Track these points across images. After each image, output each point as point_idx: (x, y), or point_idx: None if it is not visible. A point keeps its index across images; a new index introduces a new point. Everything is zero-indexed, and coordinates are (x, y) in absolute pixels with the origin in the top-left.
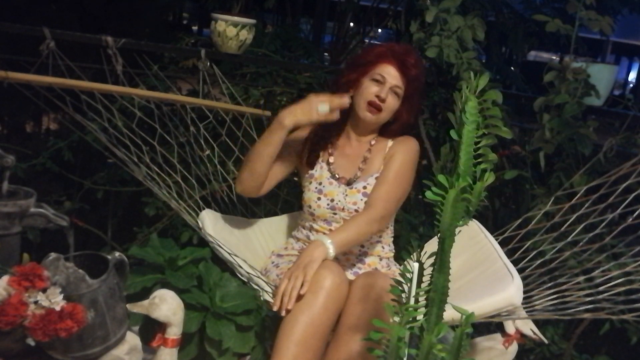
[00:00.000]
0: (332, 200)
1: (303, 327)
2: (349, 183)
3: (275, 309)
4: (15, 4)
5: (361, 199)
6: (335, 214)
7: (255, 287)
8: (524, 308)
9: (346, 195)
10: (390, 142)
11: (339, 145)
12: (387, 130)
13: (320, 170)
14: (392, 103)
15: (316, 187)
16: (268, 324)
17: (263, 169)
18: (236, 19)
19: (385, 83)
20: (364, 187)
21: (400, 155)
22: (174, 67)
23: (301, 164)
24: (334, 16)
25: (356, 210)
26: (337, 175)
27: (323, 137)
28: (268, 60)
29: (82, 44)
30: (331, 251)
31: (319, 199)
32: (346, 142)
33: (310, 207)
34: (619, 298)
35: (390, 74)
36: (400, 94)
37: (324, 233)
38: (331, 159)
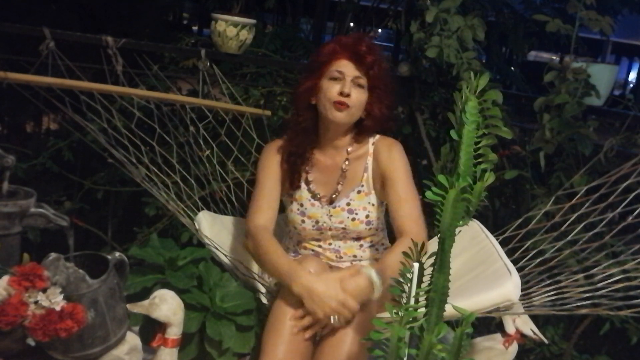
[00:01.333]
0: (317, 222)
1: (290, 326)
2: (330, 201)
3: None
4: (16, 4)
5: (347, 217)
6: (322, 233)
7: (252, 289)
8: (523, 305)
9: (330, 215)
10: (370, 148)
11: (315, 159)
12: (362, 130)
13: (299, 191)
14: (358, 96)
15: (298, 209)
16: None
17: None
18: (236, 19)
19: (344, 78)
20: (348, 204)
21: (397, 164)
22: (174, 67)
23: (283, 183)
24: (334, 16)
25: (343, 229)
26: (317, 195)
27: (298, 154)
28: (268, 60)
29: (82, 44)
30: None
31: (302, 221)
32: (321, 154)
33: (295, 228)
34: (617, 295)
35: (347, 67)
36: (364, 85)
37: (313, 250)
38: (310, 177)
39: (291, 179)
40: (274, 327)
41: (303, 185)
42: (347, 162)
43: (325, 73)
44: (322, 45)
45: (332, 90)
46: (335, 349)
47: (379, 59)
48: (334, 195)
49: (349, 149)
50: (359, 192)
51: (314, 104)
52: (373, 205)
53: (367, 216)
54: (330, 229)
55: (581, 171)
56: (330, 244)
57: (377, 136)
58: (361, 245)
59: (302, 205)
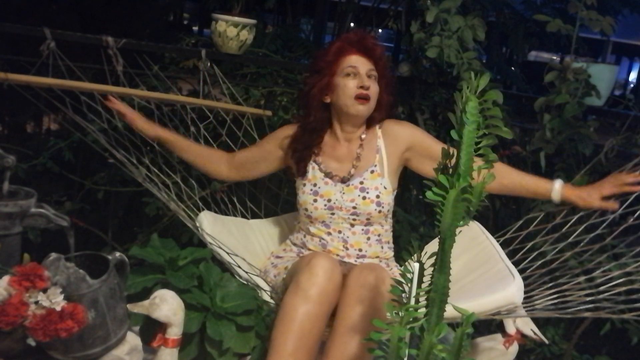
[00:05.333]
0: (329, 200)
1: (299, 322)
2: (343, 181)
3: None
4: (16, 4)
5: (359, 195)
6: (333, 214)
7: (255, 287)
8: (525, 307)
9: (343, 193)
10: (378, 132)
11: (325, 146)
12: (371, 119)
13: (312, 172)
14: (374, 88)
15: (311, 189)
16: (269, 324)
17: (190, 160)
18: (237, 19)
19: (359, 72)
20: (361, 183)
21: (417, 131)
22: (174, 67)
23: (291, 171)
24: (335, 16)
25: (354, 207)
26: (330, 173)
27: (308, 145)
28: (268, 60)
29: (83, 44)
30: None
31: (315, 200)
32: (335, 143)
33: (306, 209)
34: (619, 298)
35: (359, 61)
36: (376, 76)
37: (321, 238)
38: (319, 159)
39: (299, 166)
40: (283, 323)
41: (315, 166)
42: (360, 148)
43: (337, 71)
44: (327, 45)
45: (349, 85)
46: (344, 346)
47: (383, 50)
48: (347, 176)
49: (362, 136)
50: (372, 172)
51: (328, 102)
52: (385, 188)
53: (377, 196)
54: (341, 208)
55: (582, 172)
56: (339, 231)
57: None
58: (368, 239)
59: (315, 185)
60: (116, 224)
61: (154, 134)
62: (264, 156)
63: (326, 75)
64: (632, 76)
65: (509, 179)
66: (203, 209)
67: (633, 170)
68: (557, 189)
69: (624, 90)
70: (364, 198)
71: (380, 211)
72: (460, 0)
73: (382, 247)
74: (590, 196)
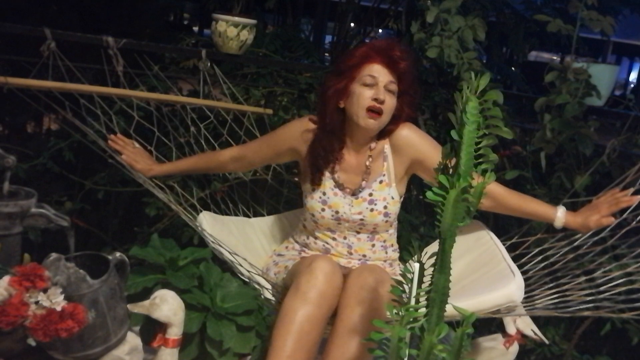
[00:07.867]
0: (337, 212)
1: (299, 324)
2: (354, 193)
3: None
4: (16, 4)
5: (367, 207)
6: (339, 223)
7: (256, 286)
8: (525, 306)
9: (352, 206)
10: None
11: (340, 156)
12: (386, 130)
13: (323, 178)
14: (390, 103)
15: (320, 197)
16: (270, 324)
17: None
18: (237, 19)
19: (377, 84)
20: (370, 195)
21: (424, 145)
22: (174, 67)
23: (304, 180)
24: (335, 16)
25: (361, 220)
26: (341, 185)
27: (323, 155)
28: (269, 60)
29: (83, 44)
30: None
31: (322, 209)
32: (346, 153)
33: (313, 215)
34: (619, 297)
35: (380, 72)
36: (395, 91)
37: (325, 242)
38: (335, 167)
39: (313, 177)
40: (282, 325)
41: (327, 174)
42: (370, 159)
43: (357, 77)
44: (353, 48)
45: (364, 95)
46: (344, 347)
47: (410, 65)
48: (358, 189)
49: (372, 146)
50: (380, 182)
51: (343, 107)
52: (392, 198)
53: (385, 207)
54: (348, 220)
55: (586, 174)
56: (345, 237)
57: None
58: (373, 245)
59: (324, 193)
60: (116, 224)
61: (150, 175)
62: (274, 158)
63: (345, 78)
64: (633, 76)
65: (511, 202)
66: (201, 211)
67: (637, 175)
68: (560, 217)
69: (624, 91)
70: (371, 210)
71: (387, 221)
72: (461, 1)
73: (386, 252)
74: (589, 220)
